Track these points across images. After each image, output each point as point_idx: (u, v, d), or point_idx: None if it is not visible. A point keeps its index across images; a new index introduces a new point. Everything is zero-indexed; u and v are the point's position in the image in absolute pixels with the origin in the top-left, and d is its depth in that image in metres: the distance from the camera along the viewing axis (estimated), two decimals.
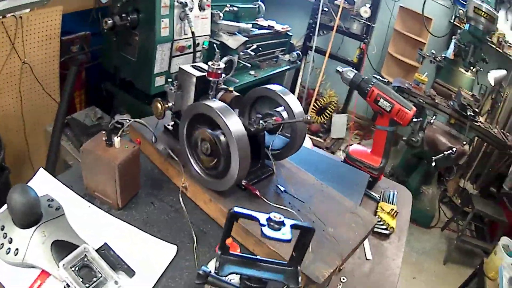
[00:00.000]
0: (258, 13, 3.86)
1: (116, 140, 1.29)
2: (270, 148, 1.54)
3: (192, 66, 1.56)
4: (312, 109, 5.27)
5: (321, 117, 5.34)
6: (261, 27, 3.74)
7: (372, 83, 1.86)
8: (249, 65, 3.48)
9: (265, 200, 1.42)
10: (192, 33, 2.54)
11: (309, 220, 1.39)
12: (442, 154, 3.71)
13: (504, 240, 2.85)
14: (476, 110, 3.71)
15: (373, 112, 1.91)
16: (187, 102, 1.52)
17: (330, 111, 5.33)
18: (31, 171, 2.26)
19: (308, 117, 1.45)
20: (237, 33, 3.13)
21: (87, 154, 1.31)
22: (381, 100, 1.80)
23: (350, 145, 3.68)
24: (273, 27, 3.86)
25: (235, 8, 3.30)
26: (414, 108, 1.83)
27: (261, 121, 1.48)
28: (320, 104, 5.32)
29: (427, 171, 4.33)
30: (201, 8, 2.63)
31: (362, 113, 5.84)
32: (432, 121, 3.84)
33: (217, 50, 1.46)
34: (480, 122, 3.73)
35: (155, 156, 1.60)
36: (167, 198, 1.50)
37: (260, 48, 3.65)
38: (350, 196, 1.68)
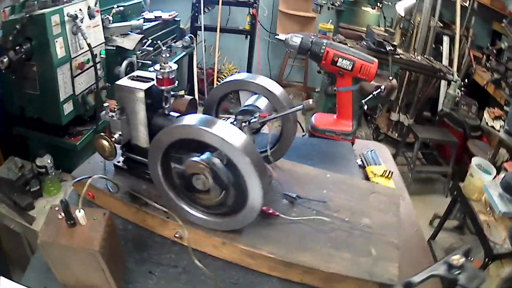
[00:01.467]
0: (143, 7, 3.89)
1: (80, 215, 1.06)
2: (266, 152, 1.43)
3: (130, 78, 1.37)
4: None
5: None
6: (149, 20, 3.78)
7: (324, 44, 1.81)
8: (149, 62, 3.46)
9: (285, 216, 1.30)
10: (88, 45, 2.46)
11: (341, 220, 1.33)
12: (371, 95, 4.05)
13: (476, 160, 3.03)
14: (394, 43, 3.94)
15: (328, 75, 1.97)
16: (138, 127, 1.37)
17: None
18: None
19: (310, 102, 1.30)
20: (130, 33, 3.12)
21: (48, 248, 1.08)
22: (339, 59, 1.78)
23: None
24: (160, 16, 3.90)
25: (121, 8, 3.26)
26: (376, 60, 1.82)
27: (242, 123, 1.34)
28: (222, 80, 5.54)
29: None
30: (91, 16, 2.55)
31: (266, 73, 6.14)
32: None
33: (163, 49, 1.36)
34: (401, 54, 3.96)
35: (122, 208, 1.39)
36: (165, 259, 1.28)
37: (155, 42, 3.63)
38: (349, 171, 1.71)
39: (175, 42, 4.29)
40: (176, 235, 1.30)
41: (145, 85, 1.31)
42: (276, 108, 1.44)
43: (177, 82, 1.35)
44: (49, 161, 2.54)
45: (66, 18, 2.39)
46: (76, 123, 2.78)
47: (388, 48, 3.84)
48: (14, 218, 2.43)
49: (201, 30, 5.10)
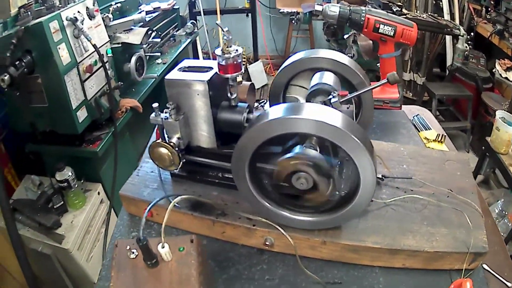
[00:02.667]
0: (140, 1, 3.62)
1: (164, 251, 0.82)
2: None
3: (180, 69, 1.15)
4: None
5: None
6: (149, 12, 3.51)
7: (363, 11, 1.69)
8: (158, 54, 3.29)
9: (378, 200, 1.20)
10: (94, 46, 2.21)
11: (428, 195, 1.23)
12: None
13: (499, 113, 2.80)
14: (400, 3, 3.75)
15: (372, 42, 1.84)
16: (200, 126, 1.14)
17: (243, 65, 5.34)
18: None
19: (395, 74, 1.15)
20: (133, 27, 2.85)
21: None
22: (381, 26, 1.68)
23: None
24: (159, 7, 3.64)
25: (119, 5, 2.99)
26: (415, 23, 1.73)
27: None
28: None
29: None
30: (91, 16, 2.29)
31: (272, 52, 5.89)
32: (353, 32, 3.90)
33: (224, 29, 1.04)
34: (407, 13, 3.71)
35: (192, 223, 1.19)
36: (256, 272, 1.12)
37: (159, 33, 3.42)
38: (412, 140, 1.67)
39: (177, 31, 3.98)
40: (266, 243, 1.13)
41: (206, 75, 1.09)
42: (352, 82, 1.29)
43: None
44: (70, 174, 2.27)
45: (66, 22, 2.12)
46: (91, 129, 2.51)
47: (394, 9, 3.58)
48: (41, 240, 2.17)
49: (200, 15, 4.87)
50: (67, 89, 2.13)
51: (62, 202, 2.27)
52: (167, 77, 1.12)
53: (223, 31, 1.07)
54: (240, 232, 1.16)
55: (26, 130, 2.33)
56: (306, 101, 1.23)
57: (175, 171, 1.25)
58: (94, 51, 2.31)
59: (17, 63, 1.97)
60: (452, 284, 0.87)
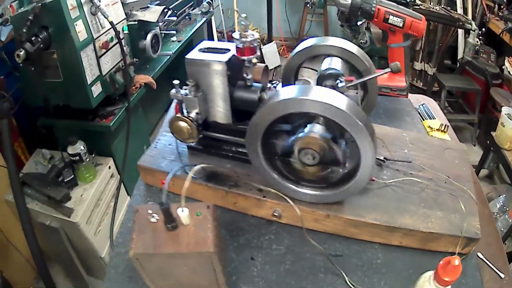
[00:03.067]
0: None
1: (184, 214, 0.84)
2: None
3: (200, 50, 1.19)
4: None
5: None
6: None
7: (374, 1, 1.70)
8: (174, 32, 3.26)
9: (379, 180, 1.24)
10: (111, 23, 2.18)
11: (426, 179, 1.27)
12: None
13: (506, 109, 2.79)
14: None
15: (381, 32, 1.85)
16: (217, 103, 1.20)
17: (257, 45, 5.31)
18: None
19: (398, 64, 1.18)
20: (149, 5, 2.83)
21: (146, 260, 0.87)
22: (391, 17, 1.70)
23: None
24: None
25: None
26: (423, 16, 1.73)
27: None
28: None
29: (378, 66, 4.43)
30: None
31: (286, 34, 5.82)
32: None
33: (242, 15, 1.11)
34: (421, 4, 3.75)
35: (206, 193, 1.23)
36: (265, 241, 1.17)
37: (175, 11, 3.40)
38: (416, 128, 1.70)
39: (193, 10, 3.92)
40: (274, 214, 1.18)
41: (225, 57, 1.14)
42: (359, 69, 1.33)
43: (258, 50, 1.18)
44: (82, 148, 2.27)
45: (83, 0, 2.07)
46: (105, 104, 2.50)
47: (408, 0, 3.49)
48: (49, 214, 2.18)
49: None
50: (82, 64, 2.12)
51: (72, 176, 2.27)
52: (188, 56, 1.15)
53: (241, 17, 1.12)
54: (251, 203, 1.20)
55: (39, 105, 2.32)
56: (317, 84, 1.26)
57: (192, 144, 1.31)
58: (110, 28, 2.28)
59: (33, 38, 1.95)
60: (442, 260, 0.86)
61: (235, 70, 1.16)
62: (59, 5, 1.93)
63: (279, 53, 5.51)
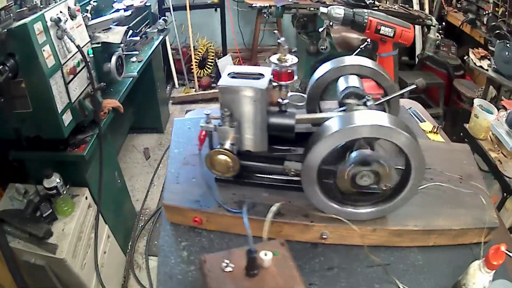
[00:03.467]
0: None
1: (268, 258, 0.84)
2: None
3: (232, 76, 1.17)
4: (195, 65, 5.13)
5: (205, 69, 5.29)
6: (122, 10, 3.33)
7: (366, 13, 1.75)
8: (137, 52, 3.22)
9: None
10: (78, 46, 2.10)
11: (445, 181, 1.40)
12: (359, 49, 3.84)
13: (477, 101, 2.90)
14: None
15: (370, 42, 1.91)
16: (252, 131, 1.18)
17: (212, 59, 5.27)
18: None
19: (423, 81, 1.25)
20: (111, 26, 2.79)
21: None
22: (382, 28, 1.75)
23: None
24: (132, 5, 3.52)
25: (95, 3, 2.87)
26: (411, 24, 1.79)
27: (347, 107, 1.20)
28: (199, 57, 5.19)
29: None
30: (73, 16, 2.19)
31: (240, 45, 5.82)
32: (331, 23, 3.91)
33: (281, 39, 1.14)
34: (379, 5, 3.76)
35: (243, 226, 1.13)
36: (316, 264, 1.22)
37: (136, 31, 3.37)
38: (417, 132, 1.72)
39: (149, 28, 3.88)
40: (323, 237, 1.23)
41: (263, 83, 1.14)
42: (382, 86, 1.37)
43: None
44: (58, 180, 2.17)
45: (49, 23, 2.01)
46: (75, 132, 2.40)
47: (367, 1, 3.61)
48: (33, 251, 2.07)
49: (169, 11, 4.81)
50: (52, 92, 2.03)
51: (50, 210, 2.16)
52: (221, 83, 1.14)
53: (280, 39, 1.14)
54: (297, 230, 1.24)
55: (10, 137, 2.21)
56: (339, 103, 1.27)
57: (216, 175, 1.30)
58: (76, 52, 2.21)
59: (0, 67, 1.86)
60: (491, 248, 1.03)
61: (269, 96, 1.17)
62: (26, 30, 1.84)
63: (234, 65, 5.53)
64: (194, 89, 5.27)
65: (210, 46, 5.35)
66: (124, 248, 3.07)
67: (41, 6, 2.07)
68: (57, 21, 2.01)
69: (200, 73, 5.30)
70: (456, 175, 1.45)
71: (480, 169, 3.53)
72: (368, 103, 1.20)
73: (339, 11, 1.76)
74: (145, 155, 4.21)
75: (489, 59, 3.60)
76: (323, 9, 1.79)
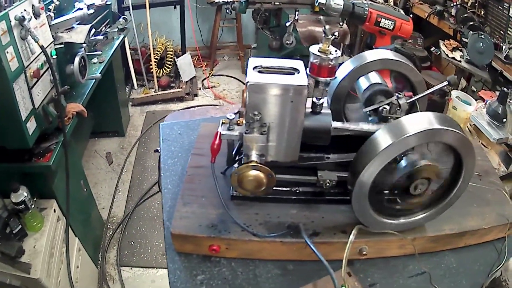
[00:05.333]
0: None
1: None
2: None
3: (259, 70, 1.01)
4: (154, 65, 5.04)
5: (164, 68, 5.19)
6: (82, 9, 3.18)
7: (366, 5, 1.68)
8: (99, 52, 3.12)
9: None
10: (41, 47, 1.99)
11: None
12: None
13: (454, 93, 2.97)
14: None
15: (369, 35, 1.85)
16: (285, 138, 1.03)
17: (170, 58, 5.18)
18: None
19: (455, 78, 1.17)
20: (74, 26, 2.65)
21: None
22: (382, 20, 1.70)
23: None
24: (93, 4, 3.36)
25: (57, 2, 2.68)
26: (409, 17, 1.75)
27: (383, 108, 1.12)
28: (157, 56, 5.08)
29: (305, 66, 4.49)
30: (36, 15, 2.05)
31: (199, 43, 5.72)
32: (297, 17, 3.82)
33: (326, 27, 0.98)
34: None
35: (277, 250, 1.10)
36: (361, 280, 1.14)
37: (98, 30, 3.24)
38: None
39: (109, 27, 3.74)
40: (363, 253, 1.15)
41: (302, 78, 0.98)
42: (412, 80, 1.28)
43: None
44: (25, 194, 2.04)
45: (13, 22, 1.86)
46: (39, 141, 2.25)
47: None
48: (7, 271, 1.94)
49: (128, 10, 4.65)
50: (15, 98, 1.89)
51: (20, 226, 2.02)
52: (250, 80, 0.95)
53: (324, 28, 0.98)
54: (335, 248, 1.12)
55: None
56: (365, 102, 1.21)
57: (232, 193, 1.16)
58: (40, 53, 2.08)
59: None
60: None
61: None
62: None
63: (193, 63, 5.47)
64: (153, 90, 5.16)
65: (169, 45, 5.24)
66: (95, 259, 2.94)
67: (6, 4, 1.93)
68: (21, 20, 1.86)
69: (159, 72, 5.19)
70: (474, 172, 1.41)
71: None
72: (401, 101, 1.12)
73: (338, 1, 1.69)
74: (108, 160, 4.09)
75: (461, 50, 3.65)
76: (321, 0, 1.72)
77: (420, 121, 0.98)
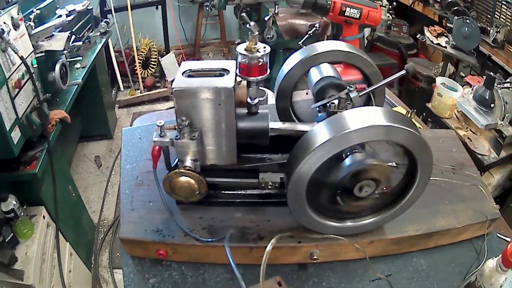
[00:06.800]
0: (57, 5, 3.39)
1: None
2: None
3: (187, 74, 1.01)
4: (139, 66, 5.13)
5: (149, 69, 5.29)
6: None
7: None
8: (80, 58, 3.20)
9: None
10: (21, 58, 2.06)
11: (438, 174, 1.37)
12: (307, 35, 3.89)
13: (439, 79, 2.91)
14: None
15: (335, 25, 1.84)
16: (218, 141, 1.03)
17: (155, 58, 5.28)
18: None
19: (413, 65, 1.11)
20: (53, 33, 2.73)
21: None
22: (347, 9, 1.68)
23: None
24: (74, 9, 3.46)
25: (38, 11, 2.80)
26: (378, 5, 1.74)
27: (331, 103, 1.05)
28: (142, 57, 5.18)
29: (285, 58, 4.54)
30: (16, 26, 2.13)
31: (182, 42, 5.81)
32: (277, 11, 3.94)
33: (251, 23, 0.97)
34: None
35: (223, 254, 1.02)
36: (313, 287, 1.13)
37: (79, 36, 3.31)
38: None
39: (91, 32, 3.83)
40: (314, 257, 1.10)
41: (229, 80, 0.97)
42: (365, 72, 1.25)
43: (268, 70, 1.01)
44: (14, 202, 2.13)
45: None
46: (25, 149, 2.33)
47: None
48: (1, 279, 2.02)
49: (111, 13, 4.74)
50: None
51: (12, 234, 2.12)
52: (175, 86, 0.97)
53: (249, 25, 0.99)
54: (282, 252, 1.12)
55: None
56: (316, 97, 1.16)
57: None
58: (20, 64, 2.16)
59: None
60: (509, 245, 1.00)
61: (236, 96, 1.01)
62: None
63: (178, 62, 5.54)
64: (139, 90, 5.26)
65: (153, 45, 5.34)
66: (88, 263, 3.04)
67: None
68: (1, 33, 1.95)
69: (144, 73, 5.29)
70: (448, 165, 1.42)
71: None
72: (352, 95, 1.04)
73: None
74: (97, 164, 4.19)
75: (446, 36, 3.71)
76: None
77: (365, 116, 0.91)
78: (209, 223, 1.16)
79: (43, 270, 2.19)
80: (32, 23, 2.54)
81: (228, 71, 1.02)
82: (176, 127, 1.03)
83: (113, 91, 5.16)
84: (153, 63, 5.31)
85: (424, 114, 3.17)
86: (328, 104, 1.07)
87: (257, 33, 0.99)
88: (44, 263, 2.22)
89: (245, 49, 0.98)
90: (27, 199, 2.37)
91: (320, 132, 0.92)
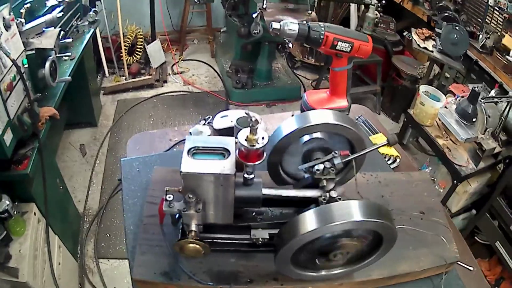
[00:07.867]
0: None
1: None
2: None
3: (192, 153, 1.15)
4: (125, 53, 5.19)
5: (134, 55, 5.35)
6: (54, 7, 3.32)
7: (322, 28, 1.68)
8: (70, 54, 3.22)
9: None
10: (12, 61, 2.11)
11: (406, 221, 1.49)
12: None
13: (423, 88, 3.07)
14: None
15: (325, 56, 1.87)
16: (218, 208, 1.19)
17: (140, 45, 5.34)
18: None
19: (395, 137, 1.22)
20: (44, 29, 2.78)
21: None
22: (339, 43, 1.69)
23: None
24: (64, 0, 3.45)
25: (28, 5, 2.84)
26: (370, 37, 1.77)
27: (317, 170, 1.19)
28: (128, 44, 5.24)
29: (270, 50, 4.61)
30: (7, 27, 2.16)
31: (168, 28, 5.94)
32: (265, 6, 3.86)
33: (252, 118, 1.06)
34: None
35: None
36: None
37: (66, 29, 3.35)
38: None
39: (80, 21, 3.85)
40: None
41: (230, 165, 1.11)
42: (350, 139, 1.31)
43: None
44: (8, 202, 2.22)
45: None
46: (16, 148, 2.40)
47: None
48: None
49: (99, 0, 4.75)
50: None
51: (5, 232, 2.22)
52: (183, 169, 1.10)
53: (250, 120, 1.08)
54: None
55: None
56: (303, 157, 1.30)
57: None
58: (12, 66, 2.20)
59: None
60: None
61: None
62: None
63: (163, 49, 5.65)
64: (124, 77, 5.33)
65: (139, 32, 5.38)
66: (75, 253, 3.16)
67: None
68: None
69: (129, 60, 5.33)
70: (417, 211, 1.54)
71: (427, 153, 3.83)
72: (336, 161, 1.19)
73: (293, 26, 1.67)
74: (82, 152, 4.28)
75: (434, 39, 3.79)
76: (275, 25, 1.69)
77: (349, 212, 1.05)
78: (209, 267, 1.32)
79: (36, 266, 2.30)
80: (23, 20, 2.58)
81: (229, 152, 1.15)
82: (179, 190, 1.17)
83: (99, 77, 5.21)
84: (138, 49, 5.35)
85: (405, 120, 3.26)
86: (313, 170, 1.21)
87: (257, 126, 1.09)
88: (36, 259, 2.33)
89: (245, 139, 1.10)
90: (18, 196, 2.46)
91: (306, 221, 1.07)
